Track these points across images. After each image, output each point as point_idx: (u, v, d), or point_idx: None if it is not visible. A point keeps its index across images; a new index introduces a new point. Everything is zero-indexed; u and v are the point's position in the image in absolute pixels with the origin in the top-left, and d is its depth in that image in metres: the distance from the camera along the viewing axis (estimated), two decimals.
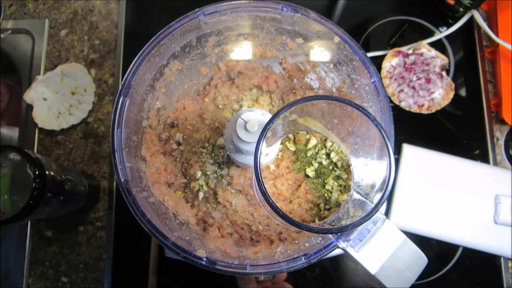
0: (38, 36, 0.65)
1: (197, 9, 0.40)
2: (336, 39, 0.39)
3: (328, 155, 0.42)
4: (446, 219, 0.56)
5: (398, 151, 0.59)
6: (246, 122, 0.34)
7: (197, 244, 0.37)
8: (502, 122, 0.61)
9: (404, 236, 0.33)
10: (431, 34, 0.66)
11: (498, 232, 0.55)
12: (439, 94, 0.60)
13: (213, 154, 0.42)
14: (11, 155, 0.44)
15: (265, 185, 0.35)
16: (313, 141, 0.42)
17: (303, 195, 0.41)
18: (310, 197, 0.40)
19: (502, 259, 0.57)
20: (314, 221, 0.40)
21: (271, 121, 0.25)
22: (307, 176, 0.41)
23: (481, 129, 0.62)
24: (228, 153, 0.39)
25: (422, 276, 0.51)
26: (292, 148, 0.42)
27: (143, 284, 0.56)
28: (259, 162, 0.24)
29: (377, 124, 0.25)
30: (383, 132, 0.25)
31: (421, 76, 0.61)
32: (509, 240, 0.55)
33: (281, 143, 0.42)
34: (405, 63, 0.61)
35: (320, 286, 0.57)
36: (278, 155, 0.41)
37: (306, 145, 0.42)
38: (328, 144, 0.42)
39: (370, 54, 0.63)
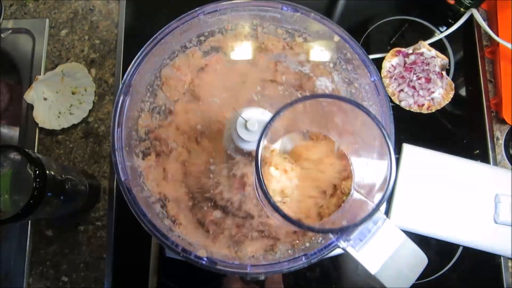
0: (39, 35, 0.65)
1: (197, 8, 0.40)
2: (336, 38, 0.39)
3: None
4: (446, 219, 0.56)
5: (398, 151, 0.59)
6: (246, 121, 0.34)
7: (197, 244, 0.37)
8: (502, 121, 0.61)
9: (404, 236, 0.33)
10: (431, 34, 0.66)
11: (498, 231, 0.55)
12: (439, 94, 0.60)
13: (213, 153, 0.42)
14: (12, 155, 0.44)
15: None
16: None
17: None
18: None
19: (502, 258, 0.57)
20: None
21: (272, 119, 0.25)
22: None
23: (481, 129, 0.62)
24: (228, 152, 0.39)
25: (422, 275, 0.51)
26: None
27: (143, 284, 0.56)
28: (260, 161, 0.24)
29: (378, 122, 0.25)
30: (383, 131, 0.25)
31: (421, 75, 0.61)
32: (509, 239, 0.55)
33: None
34: (405, 63, 0.61)
35: (320, 286, 0.57)
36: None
37: None
38: None
39: (370, 56, 0.63)
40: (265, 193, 0.24)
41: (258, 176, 0.24)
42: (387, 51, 0.62)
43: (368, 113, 0.25)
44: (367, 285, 0.57)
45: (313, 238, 0.37)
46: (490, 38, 0.63)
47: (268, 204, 0.24)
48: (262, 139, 0.24)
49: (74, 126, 0.62)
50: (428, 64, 0.61)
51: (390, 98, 0.61)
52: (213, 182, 0.42)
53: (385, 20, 0.67)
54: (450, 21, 0.66)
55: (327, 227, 0.26)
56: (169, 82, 0.42)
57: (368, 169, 0.32)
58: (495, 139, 0.62)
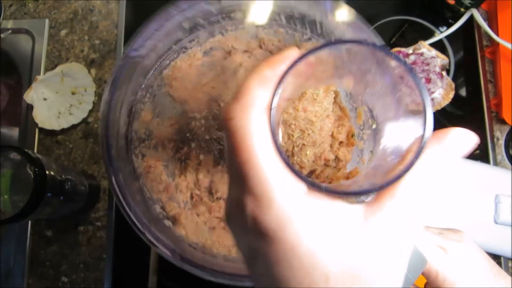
0: (38, 36, 0.65)
1: None
2: None
3: None
4: (446, 219, 0.56)
5: None
6: None
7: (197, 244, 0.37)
8: (503, 122, 0.61)
9: None
10: (431, 34, 0.66)
11: (498, 232, 0.55)
12: (439, 94, 0.60)
13: (214, 153, 0.42)
14: (11, 155, 0.44)
15: None
16: None
17: None
18: None
19: (502, 259, 0.57)
20: None
21: (286, 73, 0.20)
22: None
23: (481, 129, 0.62)
24: None
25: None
26: None
27: (143, 284, 0.56)
28: (274, 122, 0.20)
29: (409, 69, 0.19)
30: (416, 80, 0.19)
31: (421, 76, 0.61)
32: (509, 240, 0.55)
33: None
34: None
35: None
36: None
37: None
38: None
39: None
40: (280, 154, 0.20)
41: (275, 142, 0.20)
42: None
43: (397, 59, 0.20)
44: None
45: None
46: (490, 38, 0.63)
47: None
48: (276, 95, 0.20)
49: (74, 126, 0.62)
50: (428, 64, 0.61)
51: None
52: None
53: (385, 20, 0.67)
54: (450, 21, 0.66)
55: (350, 189, 0.21)
56: (171, 82, 0.42)
57: (395, 133, 0.29)
58: (495, 139, 0.62)
